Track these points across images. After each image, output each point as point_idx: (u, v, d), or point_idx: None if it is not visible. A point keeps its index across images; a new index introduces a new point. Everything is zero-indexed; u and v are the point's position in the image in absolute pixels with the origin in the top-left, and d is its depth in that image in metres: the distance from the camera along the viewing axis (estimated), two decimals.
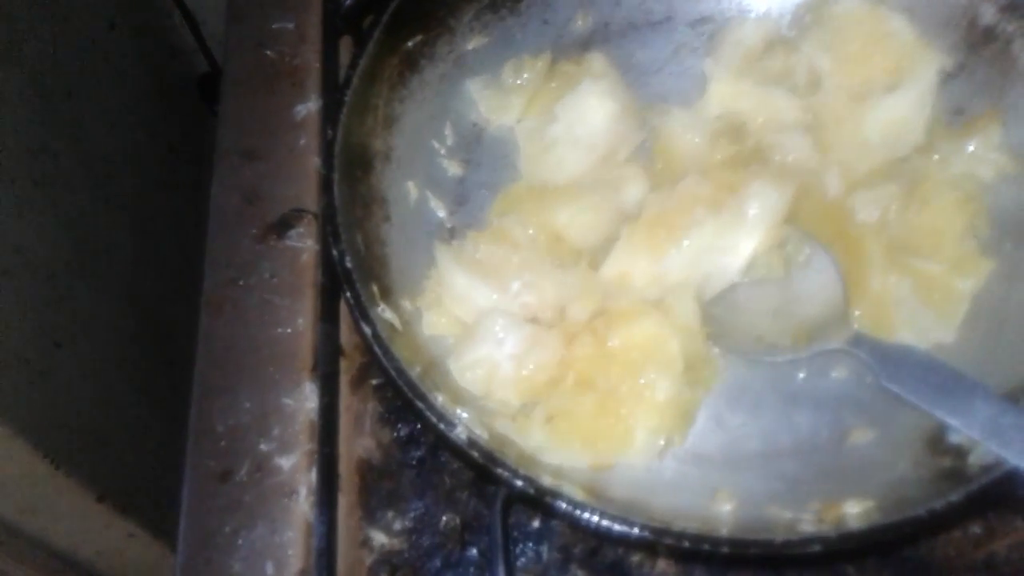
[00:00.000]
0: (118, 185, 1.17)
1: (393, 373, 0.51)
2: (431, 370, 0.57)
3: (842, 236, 0.60)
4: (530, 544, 0.65)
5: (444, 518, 0.66)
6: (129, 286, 1.18)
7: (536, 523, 0.65)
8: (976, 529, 0.63)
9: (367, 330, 0.52)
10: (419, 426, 0.68)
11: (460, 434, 0.50)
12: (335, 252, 0.54)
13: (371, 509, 0.66)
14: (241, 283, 0.72)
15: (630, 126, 0.65)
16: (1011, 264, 0.59)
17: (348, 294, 0.53)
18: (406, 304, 0.59)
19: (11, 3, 0.91)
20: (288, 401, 0.67)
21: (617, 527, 0.46)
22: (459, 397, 0.55)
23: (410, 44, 0.65)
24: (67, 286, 0.99)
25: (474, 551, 0.65)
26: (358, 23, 0.83)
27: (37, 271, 0.92)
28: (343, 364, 0.70)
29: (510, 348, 0.57)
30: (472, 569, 0.64)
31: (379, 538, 0.65)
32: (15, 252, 0.88)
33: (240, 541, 0.63)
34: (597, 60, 0.65)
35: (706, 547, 0.46)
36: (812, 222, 0.61)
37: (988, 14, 0.64)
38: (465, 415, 0.52)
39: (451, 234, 0.66)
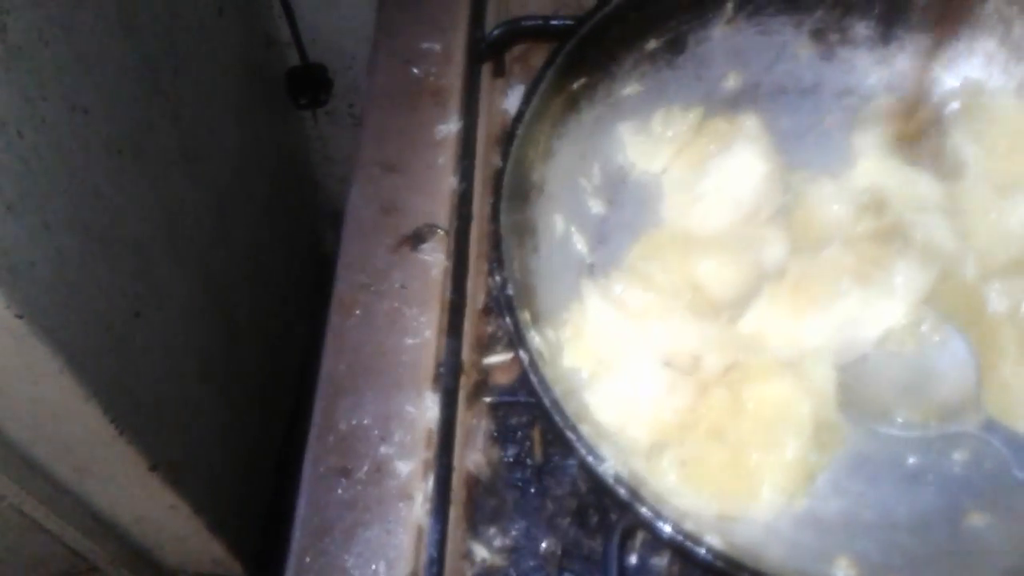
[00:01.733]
0: (205, 167, 1.21)
1: (547, 403, 0.53)
2: (568, 400, 0.59)
3: (976, 322, 0.62)
4: None
5: (544, 543, 0.68)
6: (205, 265, 1.22)
7: (634, 559, 0.67)
8: None
9: (524, 356, 0.54)
10: (528, 448, 0.71)
11: (608, 469, 0.52)
12: (498, 278, 0.56)
13: (475, 523, 0.68)
14: (373, 289, 0.75)
15: (775, 188, 0.67)
16: None
17: (508, 319, 0.55)
18: (550, 333, 0.62)
19: None
20: (410, 409, 0.70)
21: None
22: (596, 431, 0.57)
23: (575, 86, 0.68)
24: (151, 259, 1.02)
25: None
26: (501, 53, 0.87)
27: (128, 241, 0.96)
28: (461, 380, 0.72)
29: (648, 389, 0.59)
30: None
31: (481, 552, 0.67)
32: (112, 219, 0.91)
33: (356, 537, 0.65)
34: (751, 121, 0.67)
35: None
36: (947, 304, 0.63)
37: None
38: (610, 452, 0.54)
39: (591, 271, 0.68)
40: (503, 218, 0.58)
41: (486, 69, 0.86)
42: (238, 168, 1.36)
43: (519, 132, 0.60)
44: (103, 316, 0.91)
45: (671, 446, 0.59)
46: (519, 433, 0.72)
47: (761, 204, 0.66)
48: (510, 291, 0.56)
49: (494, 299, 0.60)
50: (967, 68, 0.72)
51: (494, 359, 0.74)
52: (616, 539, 0.60)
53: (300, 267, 1.75)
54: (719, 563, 0.49)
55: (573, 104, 0.69)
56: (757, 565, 0.50)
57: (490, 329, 0.75)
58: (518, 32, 0.84)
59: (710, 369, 0.61)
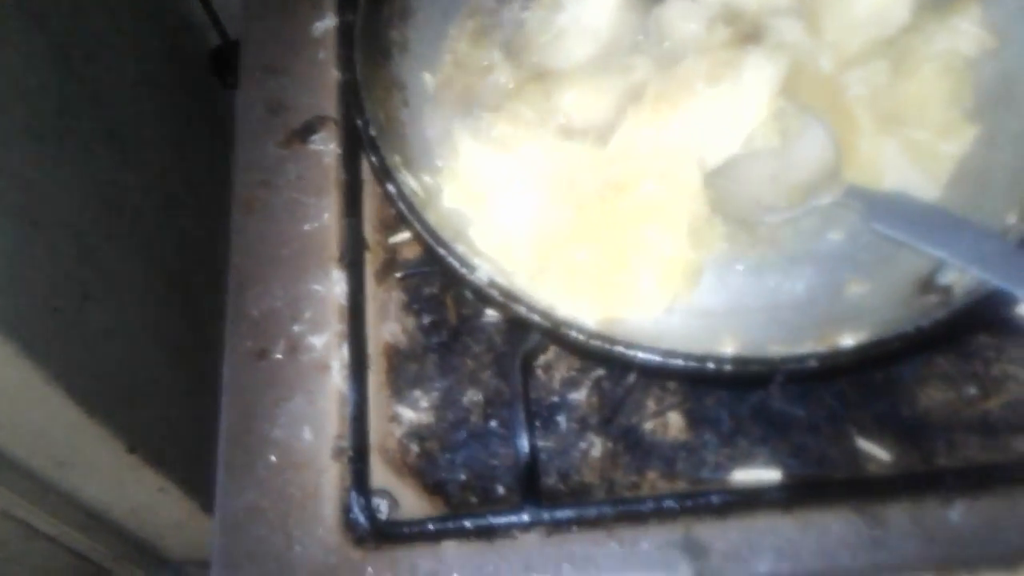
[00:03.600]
0: (138, 151, 1.21)
1: (418, 226, 0.55)
2: (456, 242, 0.60)
3: (835, 108, 0.64)
4: (549, 416, 0.69)
5: (467, 396, 0.71)
6: (153, 249, 1.22)
7: (555, 397, 0.70)
8: (972, 389, 0.67)
9: (391, 189, 0.56)
10: (443, 313, 0.73)
11: (481, 276, 0.54)
12: (359, 122, 0.58)
13: (398, 388, 0.71)
14: (269, 184, 0.76)
15: (633, 15, 0.68)
16: (993, 130, 0.63)
17: (373, 158, 0.57)
18: (427, 179, 0.63)
19: None
20: (317, 287, 0.72)
21: (621, 349, 0.50)
22: (480, 256, 0.59)
23: None
24: (94, 243, 1.02)
25: (495, 423, 0.69)
26: None
27: (65, 225, 0.96)
28: (368, 258, 0.74)
29: (526, 214, 0.61)
30: (494, 439, 0.69)
31: (407, 414, 0.70)
32: (43, 203, 0.91)
33: (279, 410, 0.67)
34: None
35: (711, 366, 0.50)
36: (807, 98, 0.65)
37: None
38: (486, 266, 0.56)
39: (462, 117, 0.69)
40: (359, 68, 0.59)
41: None
42: (173, 151, 1.36)
43: None
44: (49, 299, 0.92)
45: (554, 263, 0.61)
46: (433, 301, 0.74)
47: (621, 32, 0.68)
48: (372, 132, 0.57)
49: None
50: None
51: (400, 237, 0.76)
52: (518, 363, 0.62)
53: None
54: (593, 343, 0.51)
55: None
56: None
57: (393, 211, 0.77)
58: None
59: (585, 189, 0.63)
